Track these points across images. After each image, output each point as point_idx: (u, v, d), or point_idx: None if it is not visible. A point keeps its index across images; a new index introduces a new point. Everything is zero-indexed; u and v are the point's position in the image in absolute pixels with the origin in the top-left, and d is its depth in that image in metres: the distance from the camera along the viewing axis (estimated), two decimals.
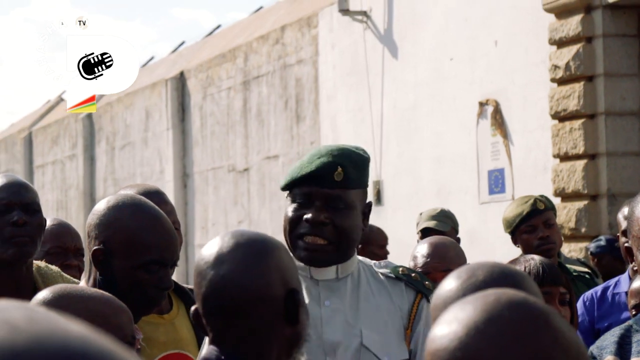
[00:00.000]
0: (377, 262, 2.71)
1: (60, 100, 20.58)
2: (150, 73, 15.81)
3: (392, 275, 2.64)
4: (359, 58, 10.02)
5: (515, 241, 4.41)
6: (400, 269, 2.67)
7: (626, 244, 2.39)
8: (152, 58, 17.92)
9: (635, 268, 2.36)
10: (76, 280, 2.89)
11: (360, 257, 2.68)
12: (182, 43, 16.76)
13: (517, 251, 5.81)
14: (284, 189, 2.61)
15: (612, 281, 4.05)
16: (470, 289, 1.48)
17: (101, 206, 2.34)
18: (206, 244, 1.85)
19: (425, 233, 4.78)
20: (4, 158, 21.42)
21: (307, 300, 2.56)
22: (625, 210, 3.66)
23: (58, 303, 1.85)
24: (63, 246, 3.45)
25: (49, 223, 3.48)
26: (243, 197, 12.41)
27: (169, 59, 16.15)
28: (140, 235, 2.28)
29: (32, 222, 2.71)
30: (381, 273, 2.66)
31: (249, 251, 1.79)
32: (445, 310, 1.30)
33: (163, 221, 2.31)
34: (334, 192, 2.53)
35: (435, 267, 3.36)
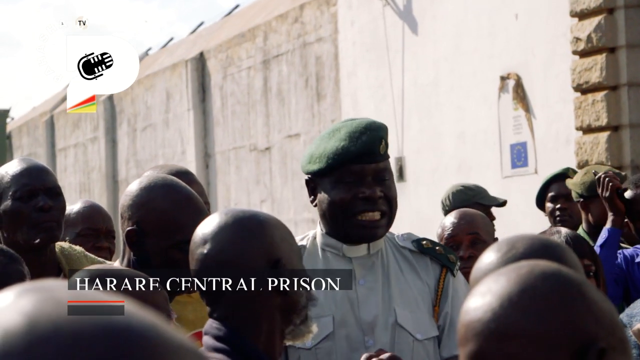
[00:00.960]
0: (398, 235, 2.72)
1: None
2: (170, 54, 15.83)
3: (416, 249, 2.66)
4: (378, 35, 10.00)
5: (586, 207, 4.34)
6: (424, 242, 2.68)
7: None
8: (171, 39, 17.94)
9: None
10: (101, 259, 2.91)
11: None
12: (201, 24, 16.77)
13: (540, 224, 5.81)
14: (323, 171, 2.58)
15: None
16: (510, 261, 1.49)
17: (134, 187, 2.37)
18: (200, 224, 1.95)
19: None
20: (27, 142, 21.53)
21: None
22: None
23: (95, 283, 1.88)
24: (94, 227, 3.48)
25: (80, 205, 3.51)
26: (265, 176, 12.44)
27: (188, 40, 16.17)
28: (173, 215, 2.30)
29: (56, 206, 2.74)
30: (405, 247, 2.67)
31: (231, 228, 1.88)
32: (479, 282, 1.32)
33: (195, 201, 2.33)
34: (380, 166, 2.57)
35: (463, 230, 3.40)
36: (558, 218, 4.79)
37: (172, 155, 14.70)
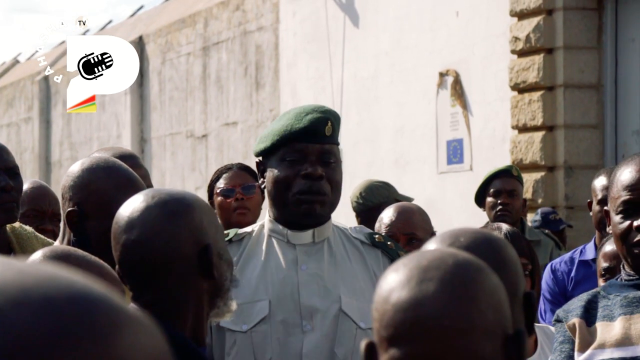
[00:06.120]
0: (351, 227, 2.73)
1: (15, 62, 20.32)
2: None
3: (368, 242, 2.67)
4: (320, 26, 10.01)
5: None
6: (377, 236, 2.69)
7: (605, 208, 2.45)
8: (110, 22, 17.75)
9: (610, 231, 2.42)
10: (51, 241, 2.87)
11: (334, 222, 2.69)
12: (141, 7, 16.61)
13: (474, 220, 5.88)
14: (268, 150, 2.59)
15: (577, 250, 4.12)
16: None
17: (75, 168, 2.35)
18: (122, 206, 1.90)
19: None
20: None
21: (282, 264, 2.59)
22: (601, 179, 3.69)
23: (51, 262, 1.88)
24: (39, 210, 3.42)
25: (27, 185, 3.44)
26: (201, 163, 12.38)
27: (127, 23, 16.01)
28: (115, 197, 2.28)
29: (16, 187, 2.70)
30: (357, 238, 2.68)
31: (159, 213, 1.84)
32: (408, 276, 1.33)
33: (137, 183, 2.32)
34: (325, 147, 2.57)
35: (399, 229, 3.41)
36: (499, 213, 4.86)
37: (108, 138, 14.56)
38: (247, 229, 2.68)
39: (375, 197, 4.64)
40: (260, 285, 2.57)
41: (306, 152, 2.55)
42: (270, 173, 2.59)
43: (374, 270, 2.63)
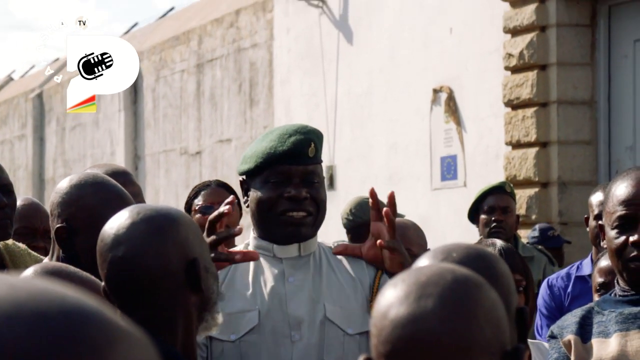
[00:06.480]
0: (334, 243, 2.77)
1: (9, 79, 20.31)
2: None
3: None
4: (314, 43, 10.02)
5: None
6: None
7: (600, 222, 2.44)
8: None
9: (604, 245, 2.41)
10: (44, 258, 2.86)
11: (319, 241, 2.72)
12: (135, 24, 16.63)
13: (468, 237, 5.87)
14: (252, 171, 2.61)
15: (574, 265, 4.11)
16: None
17: (64, 184, 2.34)
18: (107, 223, 1.89)
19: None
20: None
21: (270, 277, 2.61)
22: (597, 194, 3.70)
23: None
24: (31, 227, 3.41)
25: (19, 202, 3.43)
26: (195, 181, 12.36)
27: None
28: (103, 213, 2.27)
29: (10, 204, 2.68)
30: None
31: (145, 229, 1.83)
32: (406, 291, 1.32)
33: (126, 199, 2.31)
34: (309, 168, 2.60)
35: None
36: (493, 230, 4.85)
37: (101, 155, 14.54)
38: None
39: (364, 214, 4.64)
40: (249, 296, 2.59)
41: (290, 174, 2.58)
42: (254, 194, 2.61)
43: (359, 279, 2.65)
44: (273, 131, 2.65)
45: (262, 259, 2.64)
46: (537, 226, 6.55)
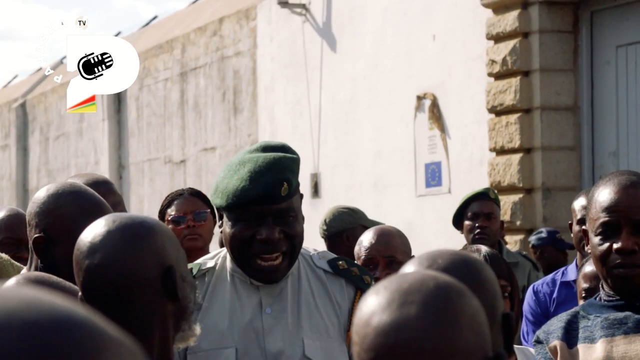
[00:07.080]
0: (314, 253, 2.70)
1: None
2: None
3: (331, 270, 2.63)
4: (297, 51, 10.02)
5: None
6: (340, 262, 2.66)
7: (584, 227, 2.43)
8: None
9: (589, 250, 2.41)
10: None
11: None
12: (119, 33, 16.59)
13: (452, 243, 5.87)
14: (223, 207, 2.53)
15: (559, 271, 4.11)
16: None
17: (41, 194, 2.32)
18: (83, 232, 1.88)
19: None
20: None
21: (247, 308, 2.56)
22: (580, 199, 3.71)
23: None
24: (16, 237, 3.39)
25: (3, 213, 3.41)
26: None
27: None
28: (81, 222, 2.25)
29: None
30: (320, 268, 2.64)
31: (121, 237, 1.83)
32: (389, 298, 1.31)
33: (104, 208, 2.29)
34: (282, 206, 2.51)
35: (379, 252, 3.40)
36: (477, 236, 4.86)
37: (85, 165, 14.49)
38: (209, 262, 2.64)
39: (338, 223, 4.65)
40: (226, 331, 2.53)
41: (262, 215, 2.50)
42: (227, 228, 2.55)
43: (337, 302, 2.60)
44: (245, 163, 2.52)
45: (238, 284, 2.58)
46: (543, 228, 6.53)
